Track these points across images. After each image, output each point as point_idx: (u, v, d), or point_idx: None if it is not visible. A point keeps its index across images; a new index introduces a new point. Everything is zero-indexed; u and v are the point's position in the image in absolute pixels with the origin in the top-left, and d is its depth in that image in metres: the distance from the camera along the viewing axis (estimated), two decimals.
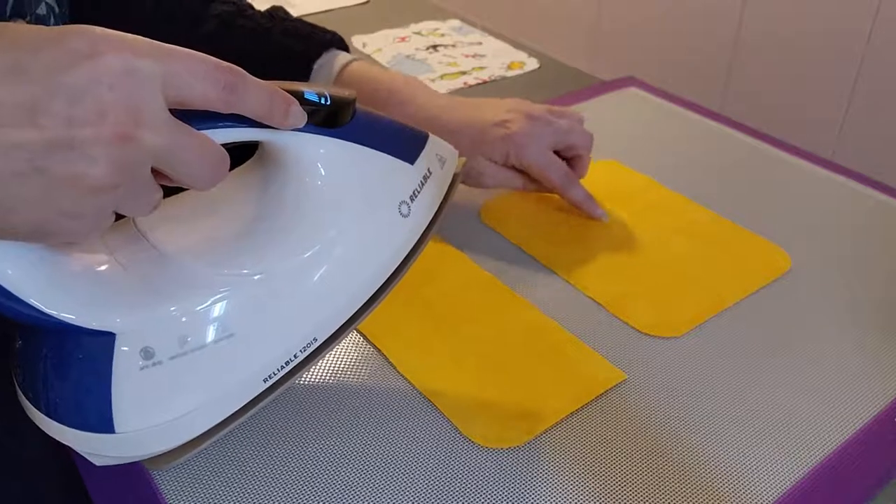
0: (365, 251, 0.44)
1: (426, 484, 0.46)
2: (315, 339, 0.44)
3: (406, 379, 0.53)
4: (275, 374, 0.43)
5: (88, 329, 0.36)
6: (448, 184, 0.48)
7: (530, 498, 0.46)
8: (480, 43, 1.07)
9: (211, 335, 0.39)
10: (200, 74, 0.31)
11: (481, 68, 1.01)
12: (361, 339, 0.57)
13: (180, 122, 0.32)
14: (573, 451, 0.49)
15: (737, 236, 0.68)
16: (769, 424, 0.50)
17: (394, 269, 0.46)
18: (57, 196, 0.29)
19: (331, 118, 0.40)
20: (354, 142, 0.41)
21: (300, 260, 0.42)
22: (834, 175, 0.77)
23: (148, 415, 0.39)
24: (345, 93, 0.40)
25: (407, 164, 0.44)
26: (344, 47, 0.56)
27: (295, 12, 1.14)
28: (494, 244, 0.67)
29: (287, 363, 0.43)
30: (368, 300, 0.45)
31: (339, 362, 0.55)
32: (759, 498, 0.46)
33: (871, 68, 0.87)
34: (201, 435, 0.42)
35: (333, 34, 0.57)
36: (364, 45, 1.05)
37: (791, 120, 0.96)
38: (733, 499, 0.46)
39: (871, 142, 0.89)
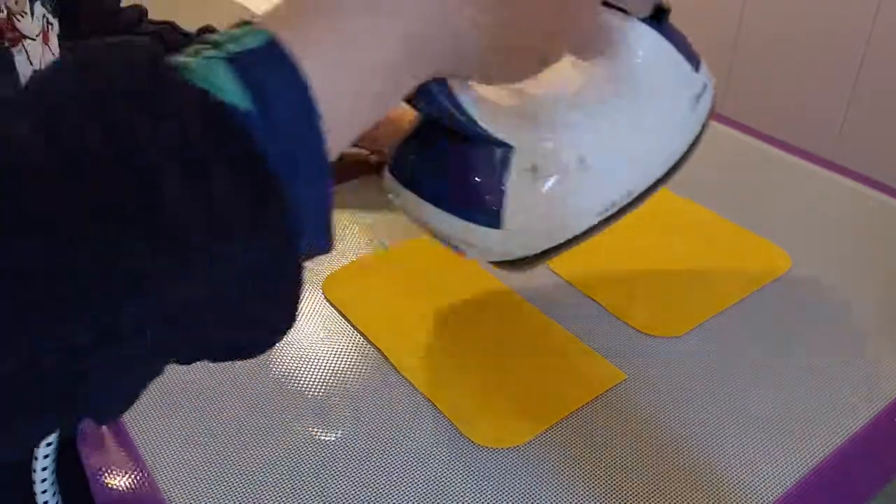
0: (671, 125, 0.55)
1: (426, 484, 0.46)
2: (630, 192, 0.53)
3: (406, 379, 0.53)
4: (604, 213, 0.52)
5: (497, 139, 0.46)
6: (711, 105, 0.58)
7: (530, 498, 0.46)
8: None
9: (576, 164, 0.49)
10: None
11: None
12: (361, 339, 0.57)
13: None
14: (573, 451, 0.49)
15: (737, 236, 0.68)
16: (769, 424, 0.50)
17: (682, 153, 0.56)
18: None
19: (657, 14, 0.52)
20: (666, 38, 0.53)
21: (637, 118, 0.52)
22: (834, 175, 0.77)
23: (528, 218, 0.48)
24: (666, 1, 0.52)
25: (693, 71, 0.55)
26: None
27: None
28: None
29: (612, 205, 0.52)
30: (664, 174, 0.55)
31: (339, 362, 0.55)
32: (759, 498, 0.46)
33: (871, 68, 0.87)
34: (546, 251, 0.51)
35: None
36: None
37: (791, 120, 0.96)
38: (733, 499, 0.46)
39: (871, 142, 0.89)
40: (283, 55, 0.29)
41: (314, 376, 0.53)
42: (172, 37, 0.57)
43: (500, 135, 0.46)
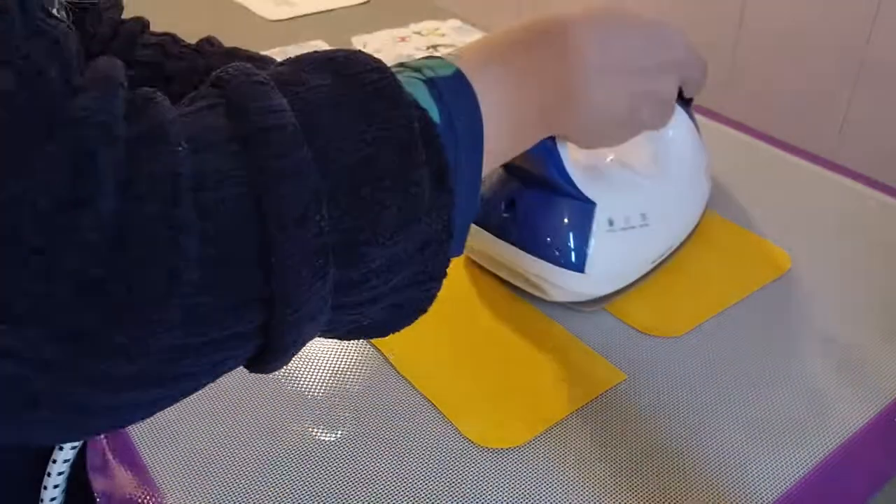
0: (699, 190, 0.67)
1: (426, 484, 0.46)
2: (671, 246, 0.62)
3: (406, 379, 0.53)
4: (655, 261, 0.61)
5: (585, 196, 0.55)
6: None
7: (530, 498, 0.46)
8: None
9: (639, 220, 0.58)
10: (702, 68, 0.55)
11: None
12: (361, 339, 0.57)
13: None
14: (573, 451, 0.49)
15: (737, 236, 0.68)
16: (769, 424, 0.50)
17: (701, 214, 0.67)
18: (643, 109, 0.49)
19: (687, 101, 0.63)
20: (689, 117, 0.64)
21: (680, 183, 0.64)
22: (834, 175, 0.77)
23: (604, 264, 0.56)
24: None
25: (703, 145, 0.67)
26: None
27: (295, 12, 1.14)
28: None
29: (660, 256, 0.61)
30: (691, 232, 0.66)
31: (339, 362, 0.55)
32: (759, 498, 0.46)
33: (871, 68, 0.87)
34: (610, 294, 0.59)
35: (270, 57, 0.59)
36: (364, 45, 1.05)
37: (791, 120, 0.96)
38: (733, 499, 0.46)
39: (871, 142, 0.89)
40: (467, 85, 0.37)
41: (314, 376, 0.53)
42: (174, 48, 0.57)
43: (587, 192, 0.55)
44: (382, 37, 1.08)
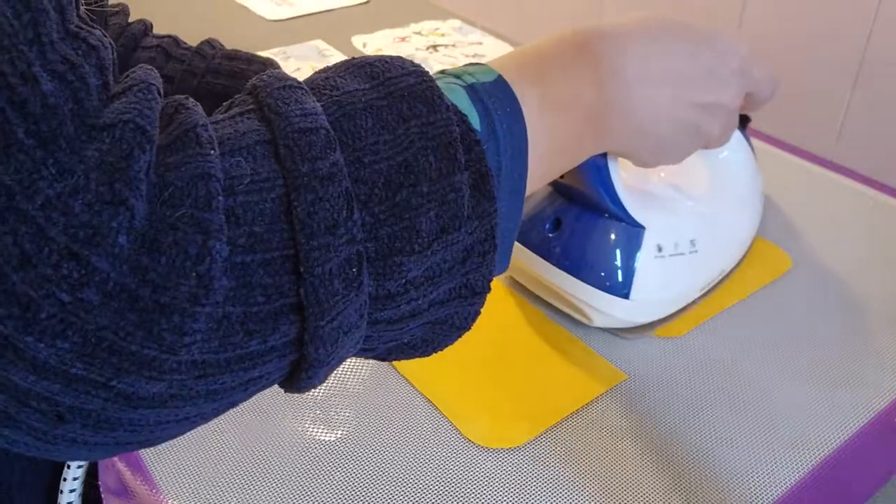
0: (753, 215, 0.64)
1: (426, 484, 0.46)
2: (722, 271, 0.61)
3: (406, 379, 0.53)
4: (704, 289, 0.59)
5: (634, 220, 0.53)
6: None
7: (530, 498, 0.46)
8: (481, 43, 1.07)
9: (688, 247, 0.56)
10: (770, 82, 0.52)
11: None
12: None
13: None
14: (573, 451, 0.49)
15: None
16: (769, 424, 0.50)
17: (752, 239, 0.65)
18: (696, 131, 0.47)
19: (744, 121, 0.62)
20: (745, 139, 0.61)
21: (731, 208, 0.61)
22: (834, 175, 0.77)
23: (650, 291, 0.54)
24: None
25: (758, 170, 0.64)
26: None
27: (295, 12, 1.14)
28: None
29: (709, 283, 0.59)
30: (741, 258, 0.64)
31: None
32: (759, 498, 0.46)
33: (871, 68, 0.87)
34: (659, 319, 0.57)
35: (270, 59, 0.59)
36: (364, 45, 1.05)
37: (791, 120, 0.96)
38: (733, 498, 0.46)
39: (871, 142, 0.89)
40: (509, 91, 0.36)
41: None
42: (175, 50, 0.57)
43: (636, 216, 0.53)
44: (382, 37, 1.08)
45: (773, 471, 0.47)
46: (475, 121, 0.33)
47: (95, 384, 0.24)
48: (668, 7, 1.07)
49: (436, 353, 0.35)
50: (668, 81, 0.43)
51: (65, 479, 0.49)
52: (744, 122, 0.61)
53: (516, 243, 0.55)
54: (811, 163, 0.79)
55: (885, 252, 0.66)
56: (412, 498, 0.46)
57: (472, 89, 0.35)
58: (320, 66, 0.95)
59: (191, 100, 0.28)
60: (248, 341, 0.27)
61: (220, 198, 0.26)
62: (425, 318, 0.32)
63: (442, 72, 0.36)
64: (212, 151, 0.26)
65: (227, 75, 0.56)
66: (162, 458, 0.48)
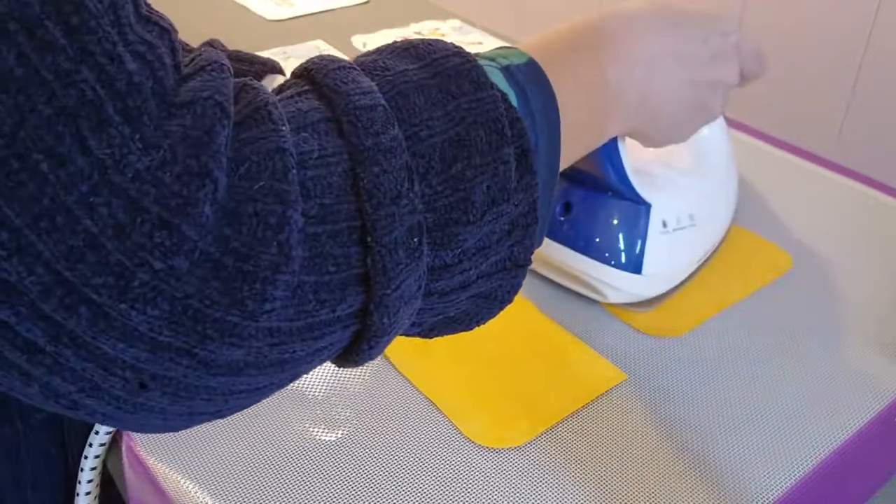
0: (734, 187, 0.68)
1: (426, 484, 0.46)
2: (714, 243, 0.64)
3: (406, 379, 0.53)
4: (700, 260, 0.62)
5: (641, 198, 0.55)
6: None
7: (530, 498, 0.46)
8: (481, 43, 1.07)
9: (688, 221, 0.58)
10: (759, 57, 0.54)
11: None
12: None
13: None
14: (573, 451, 0.49)
15: (737, 236, 0.68)
16: (769, 424, 0.50)
17: (734, 211, 0.68)
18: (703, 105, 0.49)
19: None
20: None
21: (721, 182, 0.65)
22: (834, 175, 0.77)
23: (659, 265, 0.57)
24: None
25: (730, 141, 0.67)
26: (281, 72, 0.58)
27: (295, 12, 1.14)
28: None
29: (704, 254, 0.62)
30: (727, 229, 0.67)
31: None
32: (759, 498, 0.46)
33: (871, 68, 0.87)
34: (662, 294, 0.60)
35: (271, 60, 0.59)
36: (364, 45, 1.05)
37: (791, 120, 0.96)
38: (733, 498, 0.46)
39: (871, 142, 0.89)
40: (541, 73, 0.37)
41: (314, 376, 0.53)
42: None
43: (643, 194, 0.55)
44: (382, 37, 1.08)
45: (773, 471, 0.47)
46: (513, 99, 0.35)
47: (180, 351, 0.25)
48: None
49: (478, 326, 0.37)
50: (682, 62, 0.46)
51: (79, 483, 0.49)
52: None
53: None
54: (811, 163, 0.79)
55: (885, 252, 0.66)
56: (412, 497, 0.46)
57: (507, 71, 0.36)
58: None
59: (255, 80, 0.30)
60: (318, 310, 0.28)
61: (295, 170, 0.27)
62: (473, 291, 0.33)
63: (476, 55, 0.38)
64: (283, 128, 0.28)
65: (238, 60, 0.56)
66: (162, 457, 0.48)
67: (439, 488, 0.46)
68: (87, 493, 0.49)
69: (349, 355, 0.32)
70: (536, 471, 0.47)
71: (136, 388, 0.26)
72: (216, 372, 0.27)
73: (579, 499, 0.46)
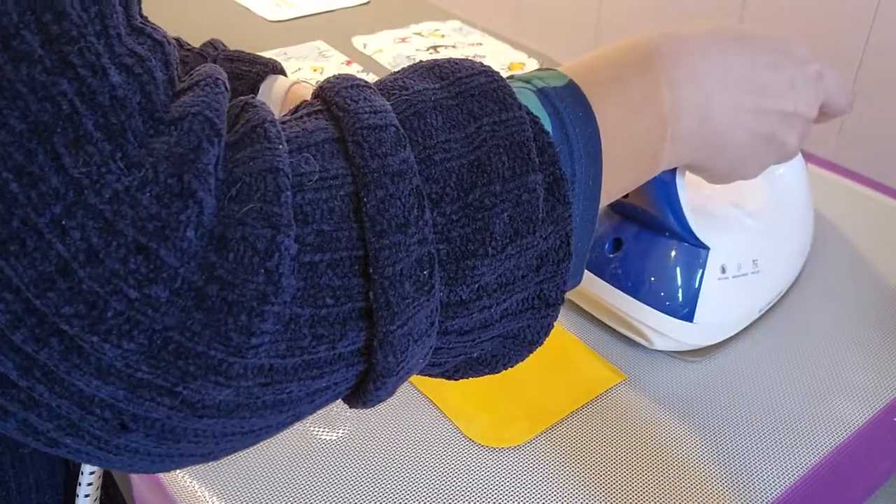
0: (808, 231, 0.63)
1: (426, 483, 0.46)
2: (780, 291, 0.59)
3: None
4: (763, 309, 0.58)
5: (699, 240, 0.51)
6: None
7: (530, 498, 0.46)
8: (481, 43, 1.07)
9: (751, 267, 0.54)
10: (845, 92, 0.50)
11: None
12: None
13: None
14: (573, 450, 0.49)
15: None
16: (769, 424, 0.50)
17: (806, 257, 0.63)
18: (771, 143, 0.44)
19: None
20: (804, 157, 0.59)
21: (791, 225, 0.60)
22: (834, 175, 0.77)
23: (713, 313, 0.53)
24: None
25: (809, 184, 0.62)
26: (283, 72, 0.58)
27: (295, 13, 1.14)
28: None
29: (768, 304, 0.58)
30: (798, 276, 0.62)
31: None
32: (759, 498, 0.46)
33: (871, 68, 0.87)
34: (717, 344, 0.56)
35: (273, 60, 0.58)
36: (364, 46, 1.05)
37: None
38: (733, 498, 0.46)
39: (871, 142, 0.89)
40: (581, 96, 0.34)
41: None
42: (178, 52, 0.57)
43: (701, 235, 0.51)
44: (383, 37, 1.08)
45: (772, 470, 0.48)
46: (547, 124, 0.32)
47: (161, 390, 0.23)
48: (669, 6, 1.07)
49: (505, 370, 0.34)
50: (749, 88, 0.41)
51: (79, 485, 0.49)
52: None
53: None
54: (811, 163, 0.79)
55: (885, 252, 0.66)
56: (413, 496, 0.46)
57: (542, 93, 0.34)
58: (320, 66, 0.96)
59: (257, 100, 0.28)
60: (315, 346, 0.25)
61: (289, 192, 0.25)
62: (497, 331, 0.31)
63: (510, 77, 0.35)
64: (280, 146, 0.26)
65: (229, 76, 0.56)
66: None
67: (440, 487, 0.46)
68: (87, 496, 0.49)
69: (357, 396, 0.29)
70: (536, 470, 0.47)
71: (116, 429, 0.24)
72: (203, 414, 0.25)
73: (579, 498, 0.46)
